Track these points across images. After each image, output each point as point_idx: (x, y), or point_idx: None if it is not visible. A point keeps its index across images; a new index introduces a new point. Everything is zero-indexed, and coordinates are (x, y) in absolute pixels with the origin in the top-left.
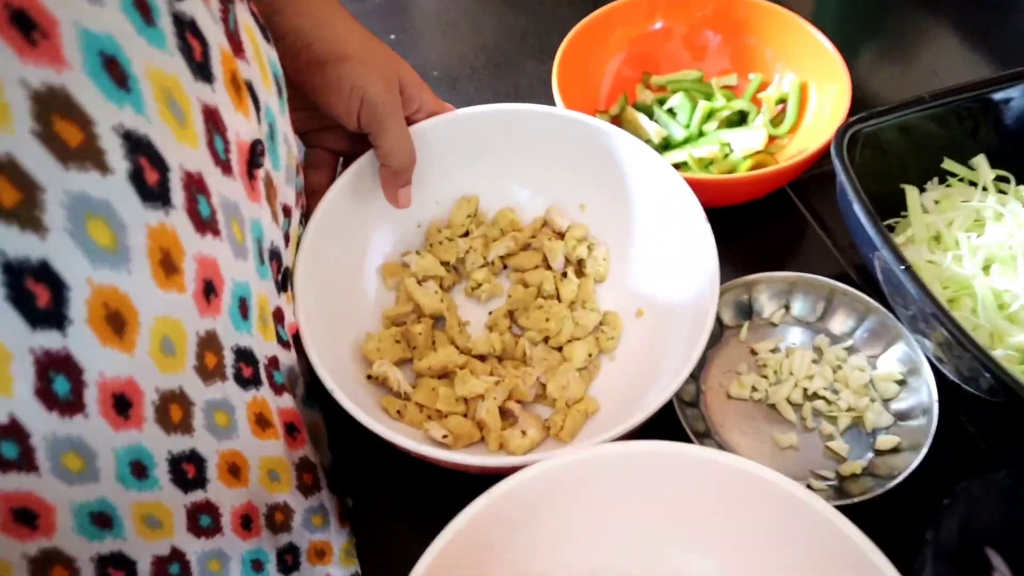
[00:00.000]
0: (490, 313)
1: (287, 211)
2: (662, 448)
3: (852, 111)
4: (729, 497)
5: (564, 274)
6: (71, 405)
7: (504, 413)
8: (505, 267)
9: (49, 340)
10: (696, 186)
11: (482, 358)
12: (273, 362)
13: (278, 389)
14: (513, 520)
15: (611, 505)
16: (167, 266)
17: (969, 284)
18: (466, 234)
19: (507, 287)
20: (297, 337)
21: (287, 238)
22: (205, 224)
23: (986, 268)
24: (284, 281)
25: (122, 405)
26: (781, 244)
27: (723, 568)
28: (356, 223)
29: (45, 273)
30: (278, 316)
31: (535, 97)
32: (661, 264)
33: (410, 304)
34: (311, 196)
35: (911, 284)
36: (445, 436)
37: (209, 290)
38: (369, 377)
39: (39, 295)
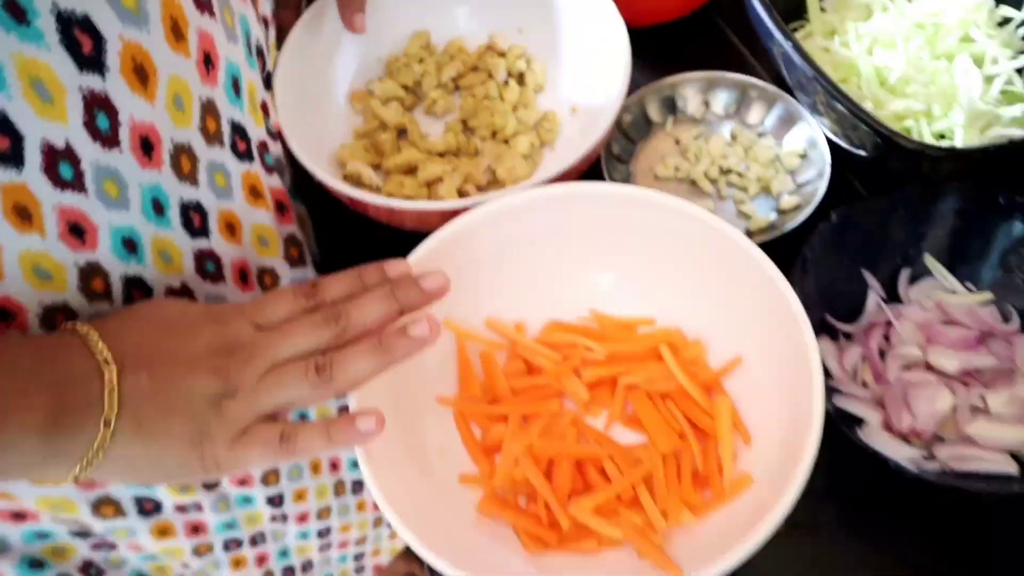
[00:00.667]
0: (446, 124)
1: (266, 22)
2: (580, 187)
3: None
4: (636, 220)
5: (506, 82)
6: (109, 139)
7: (461, 196)
8: (457, 88)
9: (93, 82)
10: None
11: (441, 156)
12: (263, 146)
13: (268, 169)
14: (463, 252)
15: (542, 238)
16: (176, 32)
17: (855, 64)
18: (421, 60)
19: (459, 104)
20: (281, 138)
21: (266, 50)
22: (203, 3)
23: (870, 51)
24: (268, 82)
25: (147, 146)
26: (704, 58)
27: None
28: (322, 57)
29: (88, 25)
30: (265, 109)
31: None
32: (589, 72)
33: (376, 121)
34: (280, 34)
35: (804, 65)
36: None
37: (208, 61)
38: (345, 178)
39: (84, 43)
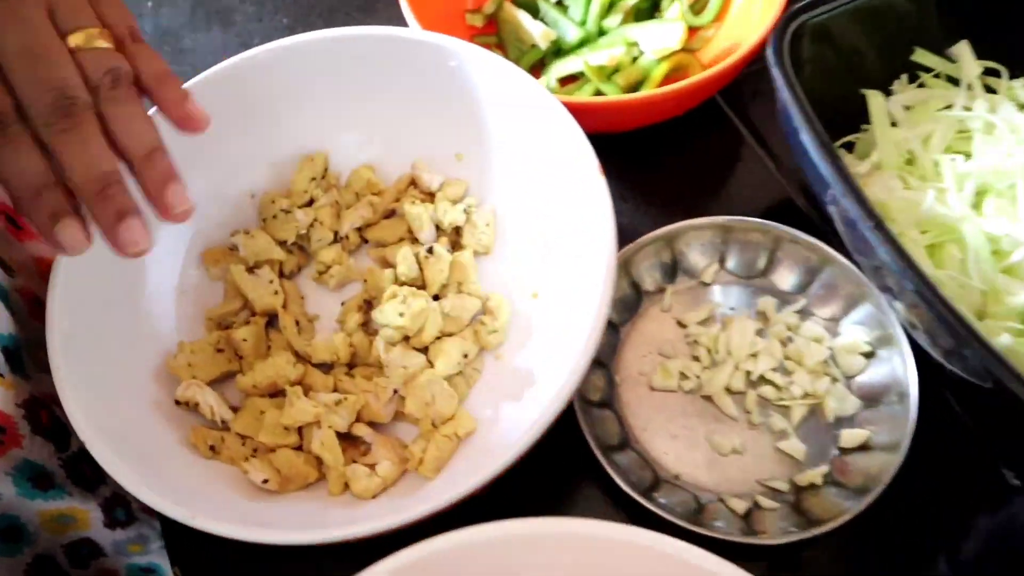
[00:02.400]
0: (342, 304)
1: None
2: (558, 528)
3: None
4: None
5: (430, 250)
6: None
7: (353, 440)
8: (365, 242)
9: None
10: (593, 112)
11: (327, 367)
12: None
13: None
14: None
15: None
16: None
17: (955, 227)
18: (310, 203)
19: (367, 268)
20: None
21: None
22: None
23: (977, 203)
24: None
25: None
26: (710, 171)
27: None
28: None
29: None
30: None
31: (392, 10)
32: (558, 228)
33: (239, 300)
34: None
35: (877, 239)
36: (266, 481)
37: None
38: (178, 403)
39: None
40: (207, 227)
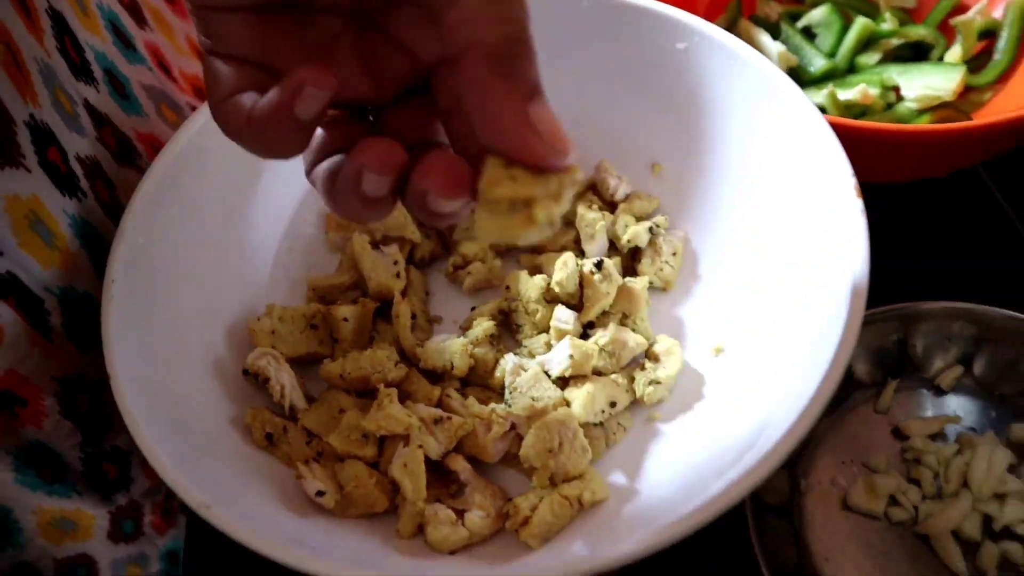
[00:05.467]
0: (472, 309)
1: None
2: None
3: None
4: None
5: (599, 264)
6: None
7: (445, 474)
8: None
9: None
10: (845, 139)
11: (436, 376)
12: None
13: None
14: None
15: None
16: None
17: None
18: None
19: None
20: None
21: None
22: None
23: None
24: None
25: None
26: (962, 251)
27: None
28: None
29: None
30: None
31: None
32: (768, 271)
33: (352, 274)
34: None
35: None
36: (322, 494)
37: None
38: (246, 373)
39: None
40: None
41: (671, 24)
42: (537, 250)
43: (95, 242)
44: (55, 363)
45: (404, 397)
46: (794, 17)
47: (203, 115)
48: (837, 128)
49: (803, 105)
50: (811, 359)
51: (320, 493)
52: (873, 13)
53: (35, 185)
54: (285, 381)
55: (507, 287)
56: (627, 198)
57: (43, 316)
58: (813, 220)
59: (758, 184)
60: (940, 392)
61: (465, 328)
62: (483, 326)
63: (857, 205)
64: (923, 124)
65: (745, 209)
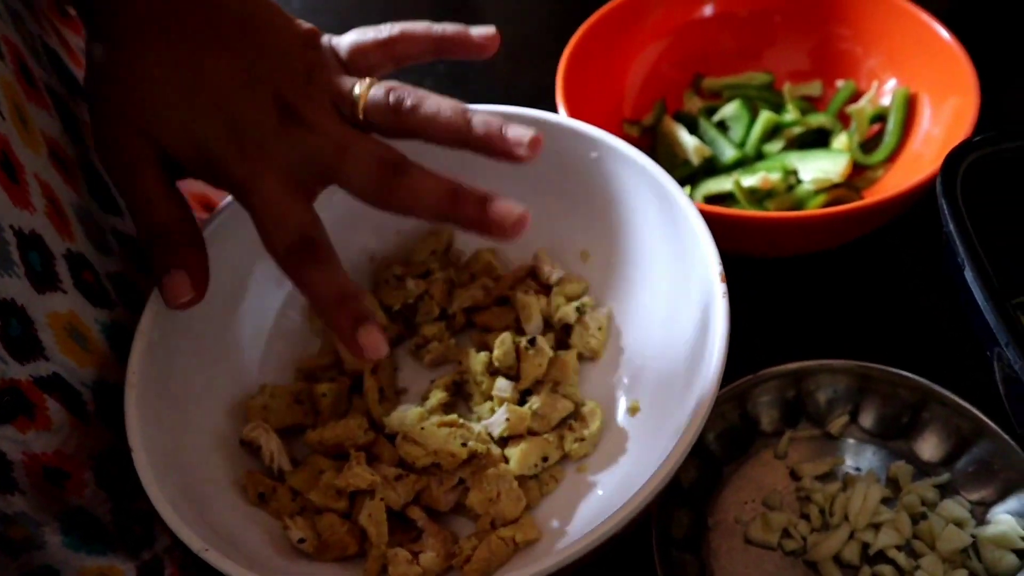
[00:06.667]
0: (432, 381)
1: None
2: None
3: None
4: None
5: (532, 341)
6: None
7: (406, 523)
8: (473, 325)
9: None
10: (734, 226)
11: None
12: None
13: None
14: None
15: None
16: None
17: None
18: (426, 275)
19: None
20: None
21: None
22: None
23: None
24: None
25: None
26: (858, 313)
27: None
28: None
29: None
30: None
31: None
32: (670, 345)
33: (331, 355)
34: None
35: None
36: (302, 541)
37: None
38: (242, 443)
39: None
40: None
41: (584, 137)
42: (485, 329)
43: (122, 341)
44: (91, 442)
45: (372, 459)
46: (712, 111)
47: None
48: (729, 220)
49: (682, 202)
50: (683, 421)
51: (301, 540)
52: (780, 103)
53: (72, 302)
54: (274, 447)
55: (460, 362)
56: (560, 282)
57: (81, 405)
58: (692, 309)
59: (658, 269)
60: (831, 438)
61: (424, 397)
62: (437, 397)
63: (720, 289)
64: (798, 212)
65: (652, 290)
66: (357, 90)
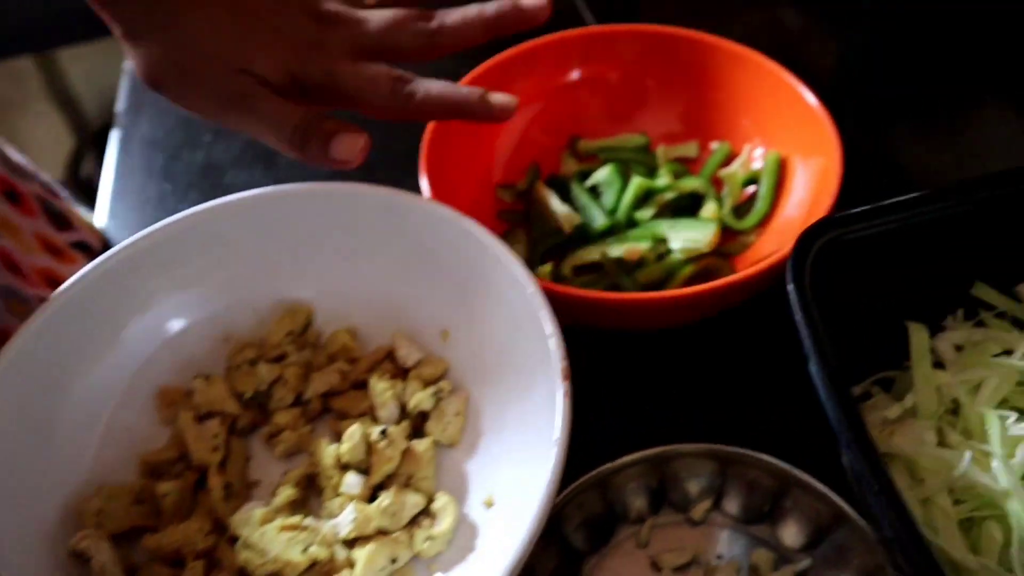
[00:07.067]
0: (284, 474)
1: None
2: None
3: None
4: None
5: (383, 433)
6: None
7: None
8: (329, 410)
9: None
10: (587, 306)
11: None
12: None
13: None
14: None
15: None
16: None
17: (998, 504)
18: (282, 358)
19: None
20: None
21: None
22: None
23: None
24: None
25: None
26: (723, 392)
27: None
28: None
29: None
30: None
31: None
32: (521, 433)
33: (179, 447)
34: None
35: (882, 505)
36: None
37: None
38: (71, 554)
39: None
40: (171, 363)
41: (440, 218)
42: (342, 415)
43: None
44: None
45: (213, 565)
46: (586, 174)
47: (42, 314)
48: (568, 298)
49: (530, 290)
50: (529, 517)
51: None
52: (655, 166)
53: None
54: (105, 559)
55: (311, 453)
56: (417, 364)
57: None
58: (537, 393)
59: (517, 354)
60: (695, 524)
61: (274, 493)
62: (286, 494)
63: (562, 389)
64: (669, 291)
65: (508, 374)
66: None
